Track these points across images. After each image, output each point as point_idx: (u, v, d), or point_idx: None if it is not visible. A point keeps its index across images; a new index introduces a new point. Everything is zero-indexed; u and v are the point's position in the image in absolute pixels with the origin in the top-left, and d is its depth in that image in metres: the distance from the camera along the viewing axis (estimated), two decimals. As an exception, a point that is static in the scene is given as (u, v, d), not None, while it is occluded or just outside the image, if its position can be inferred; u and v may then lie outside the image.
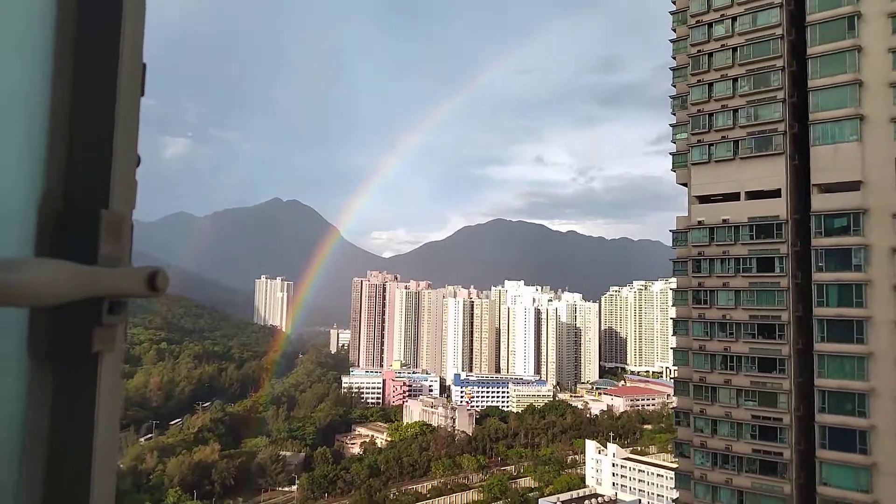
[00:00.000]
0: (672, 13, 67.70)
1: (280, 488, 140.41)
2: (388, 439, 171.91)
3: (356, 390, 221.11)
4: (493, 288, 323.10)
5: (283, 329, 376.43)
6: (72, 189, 1.32)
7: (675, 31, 67.45)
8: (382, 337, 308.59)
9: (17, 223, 1.25)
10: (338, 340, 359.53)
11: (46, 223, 1.28)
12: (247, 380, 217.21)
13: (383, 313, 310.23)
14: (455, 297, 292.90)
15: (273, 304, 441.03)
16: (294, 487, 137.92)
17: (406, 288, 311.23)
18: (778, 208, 58.52)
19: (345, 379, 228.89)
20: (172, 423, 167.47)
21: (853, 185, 52.38)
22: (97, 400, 1.27)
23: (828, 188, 54.34)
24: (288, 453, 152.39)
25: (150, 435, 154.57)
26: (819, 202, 54.31)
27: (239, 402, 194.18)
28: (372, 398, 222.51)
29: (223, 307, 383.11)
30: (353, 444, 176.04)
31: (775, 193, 58.89)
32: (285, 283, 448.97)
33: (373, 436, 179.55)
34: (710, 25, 62.69)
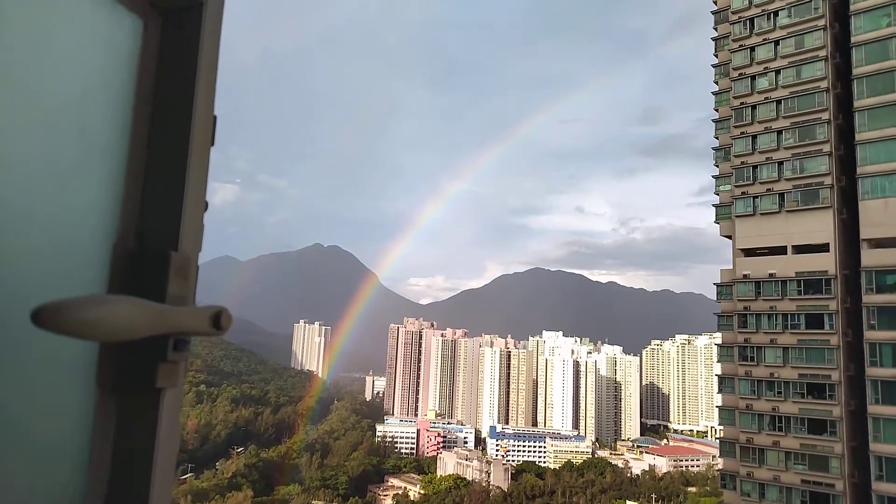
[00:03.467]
0: (714, 66, 67.92)
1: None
2: (422, 492, 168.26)
3: (390, 439, 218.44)
4: (530, 338, 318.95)
5: (320, 374, 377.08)
6: (144, 231, 1.40)
7: (717, 83, 67.54)
8: (418, 385, 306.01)
9: (93, 262, 1.33)
10: (373, 387, 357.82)
11: (120, 263, 1.36)
12: (282, 425, 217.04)
13: (419, 361, 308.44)
14: (492, 346, 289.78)
15: (310, 348, 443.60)
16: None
17: (442, 336, 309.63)
18: (827, 263, 56.80)
19: (379, 427, 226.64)
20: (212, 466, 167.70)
21: (906, 241, 50.66)
22: (158, 434, 1.32)
23: (878, 243, 52.64)
24: (320, 503, 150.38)
25: (184, 477, 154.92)
26: (870, 258, 52.56)
27: (273, 447, 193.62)
28: (406, 448, 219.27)
29: (261, 351, 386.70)
30: (385, 495, 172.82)
31: (823, 248, 57.30)
32: (323, 327, 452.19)
33: (406, 487, 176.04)
34: (753, 78, 62.59)
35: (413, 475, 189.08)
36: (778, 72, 61.13)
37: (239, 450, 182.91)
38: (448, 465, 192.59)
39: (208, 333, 1.32)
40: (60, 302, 1.00)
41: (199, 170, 1.44)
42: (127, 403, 1.34)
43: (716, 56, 68.16)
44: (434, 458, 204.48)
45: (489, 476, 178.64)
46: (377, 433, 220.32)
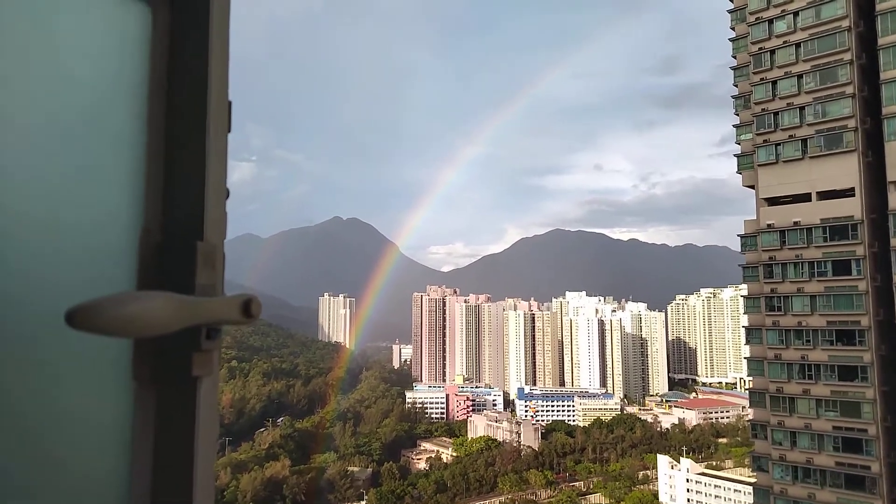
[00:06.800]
0: (730, 11, 66.05)
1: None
2: (454, 455, 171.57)
3: (420, 405, 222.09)
4: (553, 300, 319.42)
5: (347, 345, 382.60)
6: (169, 223, 1.41)
7: (734, 29, 65.74)
8: (444, 351, 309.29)
9: (120, 257, 1.35)
10: (400, 355, 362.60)
11: (147, 256, 1.37)
12: (314, 396, 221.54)
13: (444, 328, 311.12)
14: (515, 309, 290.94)
15: (336, 320, 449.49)
16: (363, 503, 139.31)
17: (466, 302, 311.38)
18: (852, 208, 55.82)
19: (408, 394, 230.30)
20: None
21: (935, 181, 49.51)
22: (197, 422, 1.34)
23: (907, 185, 51.50)
24: (356, 469, 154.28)
25: (222, 451, 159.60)
26: (898, 200, 51.52)
27: (307, 418, 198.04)
28: (436, 413, 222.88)
29: (289, 325, 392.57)
30: (418, 459, 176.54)
31: (849, 193, 56.26)
32: (347, 299, 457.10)
33: (438, 451, 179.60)
34: (770, 22, 60.79)
35: (445, 439, 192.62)
36: (796, 13, 59.25)
37: (274, 421, 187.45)
38: (478, 427, 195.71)
39: (239, 322, 1.34)
40: (93, 302, 1.02)
41: (218, 157, 1.44)
42: (165, 394, 1.36)
43: (731, 1, 66.21)
44: (464, 422, 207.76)
45: (519, 436, 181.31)
46: (407, 400, 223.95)
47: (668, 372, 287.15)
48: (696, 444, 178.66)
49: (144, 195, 1.40)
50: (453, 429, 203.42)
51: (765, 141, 61.01)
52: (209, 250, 1.38)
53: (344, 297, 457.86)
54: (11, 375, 1.16)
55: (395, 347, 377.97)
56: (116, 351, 1.32)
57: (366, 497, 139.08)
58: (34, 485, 1.22)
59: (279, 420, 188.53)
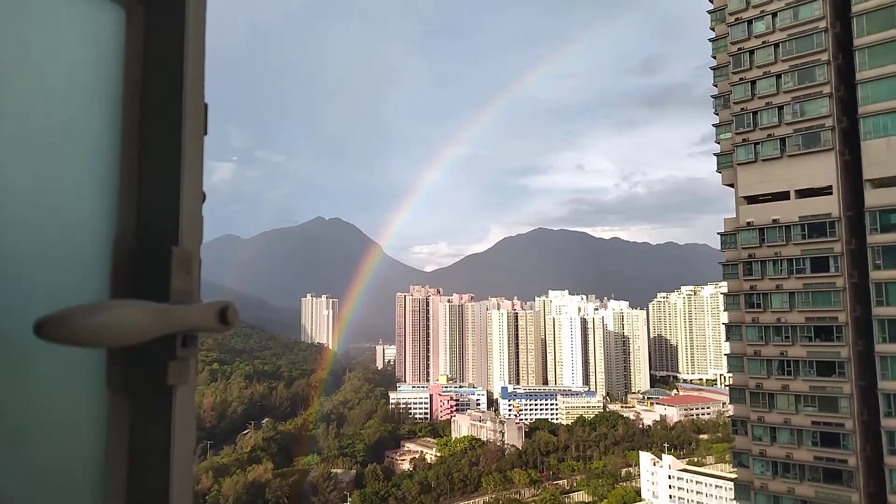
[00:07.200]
0: (710, 12, 66.69)
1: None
2: (438, 455, 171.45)
3: (403, 406, 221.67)
4: (537, 298, 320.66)
5: (330, 346, 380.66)
6: (143, 228, 1.38)
7: (713, 30, 66.40)
8: (427, 351, 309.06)
9: (94, 264, 1.32)
10: (384, 356, 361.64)
11: (121, 262, 1.34)
12: (296, 398, 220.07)
13: (427, 328, 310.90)
14: (499, 308, 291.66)
15: (319, 321, 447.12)
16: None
17: (449, 301, 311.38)
18: (830, 206, 56.62)
19: (392, 395, 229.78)
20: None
21: (910, 179, 50.35)
22: (172, 430, 1.31)
23: (882, 183, 52.37)
24: (339, 471, 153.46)
25: (203, 455, 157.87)
26: (873, 198, 52.35)
27: (290, 420, 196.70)
28: (419, 413, 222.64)
29: (271, 326, 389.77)
30: (402, 460, 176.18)
31: (826, 191, 57.06)
32: (330, 300, 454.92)
33: (422, 451, 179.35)
34: (749, 22, 61.48)
35: (428, 439, 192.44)
36: (775, 14, 59.94)
37: (256, 424, 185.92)
38: (462, 427, 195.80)
39: (216, 329, 1.32)
40: (63, 312, 0.99)
41: (194, 161, 1.41)
42: (140, 403, 1.33)
43: (711, 1, 66.83)
44: (448, 422, 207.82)
45: (503, 435, 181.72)
46: (391, 400, 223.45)
47: (650, 369, 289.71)
48: (678, 441, 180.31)
49: (118, 200, 1.37)
50: (437, 429, 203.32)
51: (744, 140, 61.64)
52: (184, 256, 1.36)
53: (327, 298, 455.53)
54: None
55: (379, 348, 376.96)
56: (90, 358, 1.30)
57: (349, 499, 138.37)
58: (7, 493, 1.20)
59: (262, 423, 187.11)
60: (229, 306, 1.33)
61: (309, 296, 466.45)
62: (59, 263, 1.28)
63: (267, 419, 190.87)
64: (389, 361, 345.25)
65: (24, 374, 1.21)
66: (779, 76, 59.65)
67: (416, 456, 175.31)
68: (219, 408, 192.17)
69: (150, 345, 1.19)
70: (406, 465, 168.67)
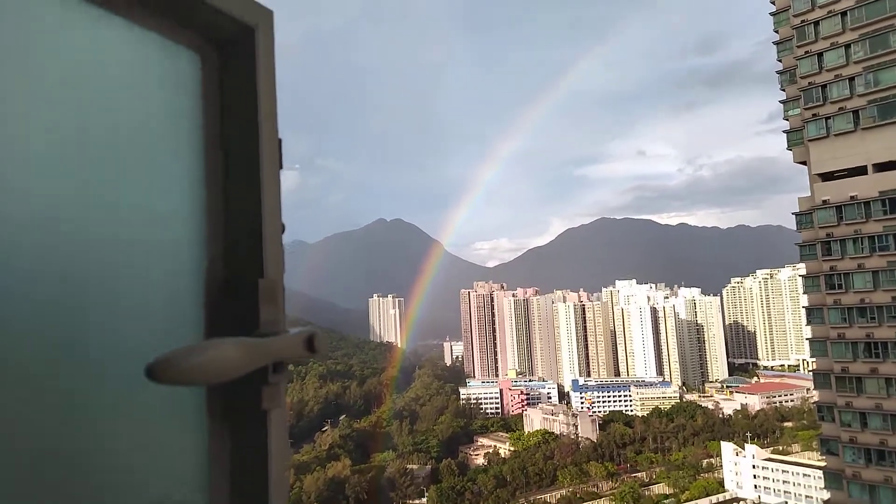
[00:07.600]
0: (769, -15, 64.32)
1: (410, 501, 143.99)
2: (511, 449, 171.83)
3: (474, 401, 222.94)
4: (603, 290, 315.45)
5: (399, 345, 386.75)
6: (231, 263, 1.44)
7: (773, 3, 64.05)
8: (495, 346, 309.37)
9: (187, 301, 1.39)
10: (451, 353, 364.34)
11: (212, 297, 1.41)
12: (369, 396, 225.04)
13: (493, 323, 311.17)
14: (564, 301, 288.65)
15: (386, 321, 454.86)
16: (423, 500, 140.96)
17: (514, 296, 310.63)
18: (912, 178, 53.77)
19: (462, 390, 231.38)
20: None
21: None
22: (269, 453, 1.38)
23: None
24: (415, 466, 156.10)
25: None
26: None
27: (364, 417, 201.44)
28: (490, 408, 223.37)
29: (340, 327, 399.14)
30: (476, 455, 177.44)
31: (908, 163, 54.20)
32: (396, 299, 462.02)
33: (495, 446, 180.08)
34: (813, -8, 58.97)
35: (501, 433, 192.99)
36: (841, -19, 57.34)
37: (332, 422, 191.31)
38: (534, 421, 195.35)
39: (304, 356, 1.39)
40: (168, 356, 1.06)
41: (273, 194, 1.46)
42: (237, 428, 1.40)
43: (770, -27, 64.51)
44: (520, 416, 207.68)
45: (577, 428, 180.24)
46: (461, 396, 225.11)
47: (728, 357, 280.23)
48: (761, 430, 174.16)
49: (206, 237, 1.43)
50: (509, 423, 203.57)
51: (814, 115, 59.24)
52: (270, 286, 1.41)
53: (393, 298, 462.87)
54: (81, 416, 1.18)
55: (446, 344, 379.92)
56: (192, 390, 1.38)
57: (426, 494, 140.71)
58: None
59: (338, 421, 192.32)
60: (315, 335, 1.39)
61: (375, 296, 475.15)
62: (157, 304, 1.33)
63: (343, 417, 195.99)
64: (457, 357, 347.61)
65: (132, 410, 1.27)
66: (847, 46, 56.99)
67: (490, 450, 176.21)
68: (296, 407, 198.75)
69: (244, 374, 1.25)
70: (480, 460, 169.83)
